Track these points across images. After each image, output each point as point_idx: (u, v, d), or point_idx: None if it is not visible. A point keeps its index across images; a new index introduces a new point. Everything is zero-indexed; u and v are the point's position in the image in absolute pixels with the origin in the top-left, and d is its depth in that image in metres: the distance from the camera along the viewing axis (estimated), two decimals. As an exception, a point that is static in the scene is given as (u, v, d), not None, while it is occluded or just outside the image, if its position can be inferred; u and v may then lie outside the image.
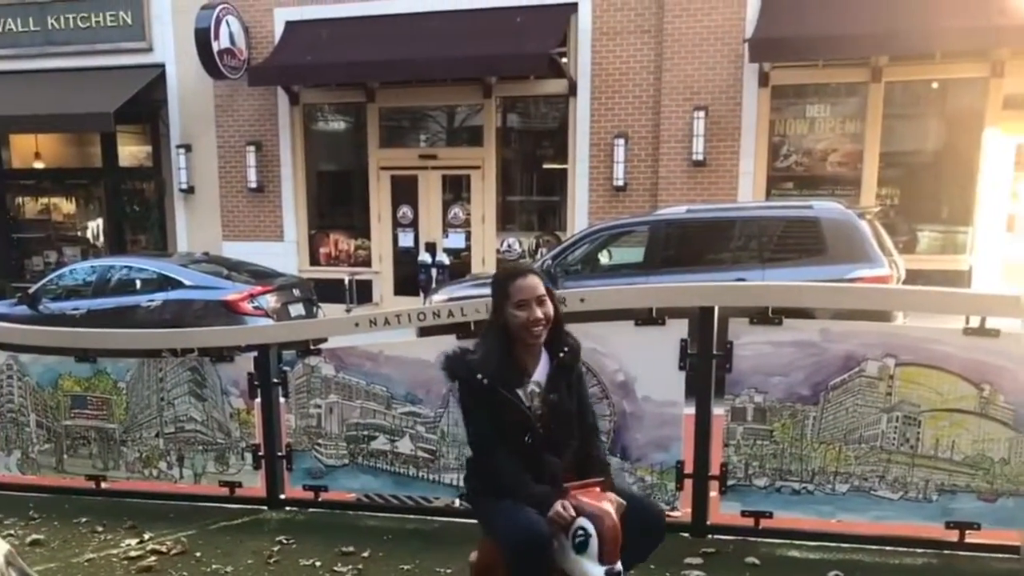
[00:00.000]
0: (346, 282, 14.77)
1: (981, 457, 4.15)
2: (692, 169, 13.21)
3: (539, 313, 3.36)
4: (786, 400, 4.36)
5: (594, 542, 3.07)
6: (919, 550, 4.33)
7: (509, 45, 13.31)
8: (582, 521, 3.11)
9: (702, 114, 12.96)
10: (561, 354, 3.49)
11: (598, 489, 3.25)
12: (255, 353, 5.26)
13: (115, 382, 5.53)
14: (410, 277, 14.92)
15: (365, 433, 5.06)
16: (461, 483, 4.87)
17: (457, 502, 5.01)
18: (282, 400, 5.29)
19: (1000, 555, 4.23)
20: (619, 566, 3.10)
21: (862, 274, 8.27)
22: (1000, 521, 4.18)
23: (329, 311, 12.19)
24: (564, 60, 13.70)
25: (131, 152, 17.65)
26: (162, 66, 15.84)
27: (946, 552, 4.28)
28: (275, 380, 5.24)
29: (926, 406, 4.18)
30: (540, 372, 3.48)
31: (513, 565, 3.21)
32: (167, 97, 15.96)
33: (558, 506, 3.15)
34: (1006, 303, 4.32)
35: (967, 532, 4.25)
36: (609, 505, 3.17)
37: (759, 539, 4.50)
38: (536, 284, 3.40)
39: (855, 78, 12.83)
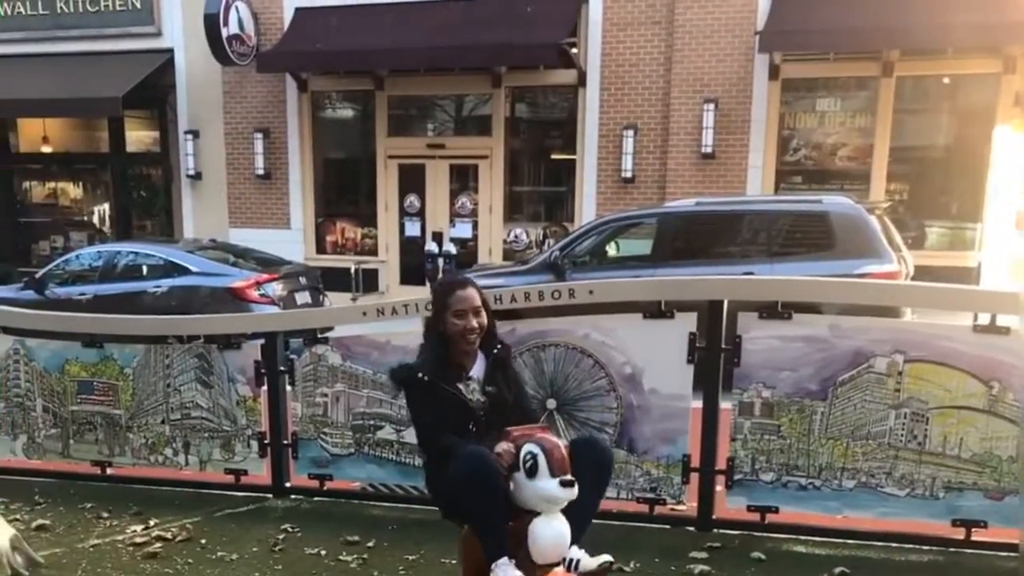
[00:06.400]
0: (352, 271, 14.76)
1: (989, 455, 4.14)
2: (701, 162, 13.16)
3: (474, 323, 3.77)
4: (794, 395, 4.36)
5: (542, 460, 3.33)
6: (925, 547, 4.32)
7: (519, 35, 13.26)
8: (528, 447, 3.37)
9: (712, 107, 12.91)
10: (495, 351, 3.88)
11: (539, 430, 3.56)
12: (262, 341, 5.27)
13: (122, 368, 5.53)
14: (416, 266, 14.89)
15: (371, 423, 5.06)
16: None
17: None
18: (288, 388, 5.30)
19: (1006, 553, 4.21)
20: (571, 476, 3.31)
21: (871, 269, 8.24)
22: (1007, 519, 4.15)
23: (335, 300, 12.19)
24: (574, 51, 13.63)
25: (138, 137, 17.62)
26: (171, 51, 15.80)
27: (952, 550, 4.27)
28: (282, 368, 5.25)
29: (934, 403, 4.18)
30: (477, 369, 3.85)
31: (470, 494, 3.39)
32: (175, 83, 15.91)
33: (502, 444, 3.46)
34: (1016, 300, 4.30)
35: (973, 530, 4.24)
36: (552, 436, 3.51)
37: (765, 534, 4.50)
38: (473, 295, 3.81)
39: (866, 72, 12.78)
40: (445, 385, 3.72)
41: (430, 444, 3.77)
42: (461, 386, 3.77)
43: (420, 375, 3.74)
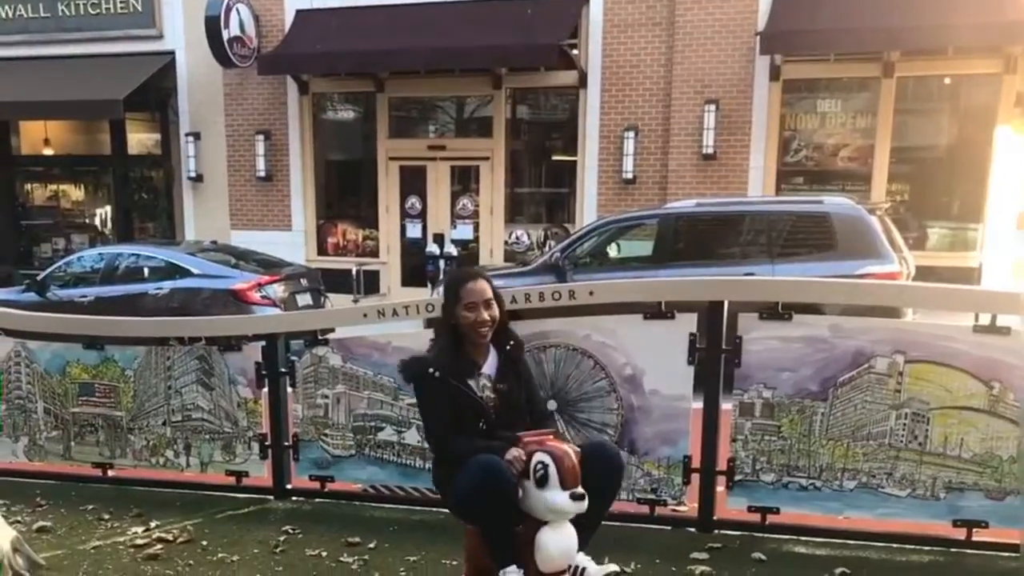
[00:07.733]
0: (354, 272, 14.74)
1: (990, 455, 4.14)
2: (702, 163, 13.15)
3: (486, 315, 3.73)
4: (795, 396, 4.36)
5: (553, 471, 3.30)
6: (926, 548, 4.31)
7: (520, 36, 13.25)
8: (540, 456, 3.34)
9: (713, 107, 12.89)
10: (508, 347, 3.87)
11: (551, 437, 3.52)
12: (263, 343, 5.27)
13: (123, 370, 5.54)
14: (418, 268, 14.90)
15: (372, 424, 5.06)
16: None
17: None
18: (289, 390, 5.30)
19: (1007, 553, 4.21)
20: (581, 490, 3.30)
21: (872, 270, 8.23)
22: (1008, 519, 4.16)
23: (336, 301, 12.19)
24: (575, 52, 13.61)
25: (140, 140, 17.59)
26: (172, 53, 15.79)
27: (953, 550, 4.27)
28: (283, 370, 5.25)
29: (935, 403, 4.18)
30: (489, 365, 3.84)
31: (479, 503, 3.38)
32: (176, 85, 15.89)
33: (512, 451, 3.40)
34: (1017, 301, 4.30)
35: (974, 530, 4.23)
36: (564, 444, 3.45)
37: (766, 535, 4.50)
38: (484, 288, 3.78)
39: (867, 73, 12.75)
40: (456, 381, 3.71)
41: (439, 442, 3.78)
42: (472, 383, 3.75)
43: (431, 370, 3.72)
